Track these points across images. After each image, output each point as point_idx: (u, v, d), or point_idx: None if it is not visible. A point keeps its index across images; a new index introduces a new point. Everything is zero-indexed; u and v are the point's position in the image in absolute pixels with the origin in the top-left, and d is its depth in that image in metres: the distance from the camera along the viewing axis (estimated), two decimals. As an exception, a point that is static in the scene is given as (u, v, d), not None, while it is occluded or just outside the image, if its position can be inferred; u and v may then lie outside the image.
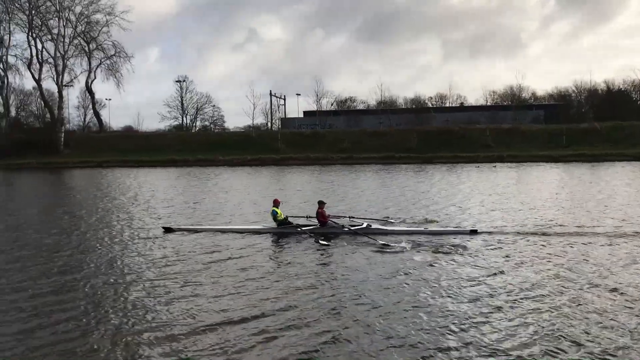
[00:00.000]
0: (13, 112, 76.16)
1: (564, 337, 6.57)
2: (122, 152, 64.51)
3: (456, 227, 14.46)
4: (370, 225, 14.17)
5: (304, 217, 15.05)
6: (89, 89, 74.68)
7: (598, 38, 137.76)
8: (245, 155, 60.87)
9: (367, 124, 73.94)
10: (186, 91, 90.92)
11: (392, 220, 15.68)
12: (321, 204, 14.52)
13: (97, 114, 76.80)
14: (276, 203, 14.73)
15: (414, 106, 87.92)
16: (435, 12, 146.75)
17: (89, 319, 7.57)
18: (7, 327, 7.26)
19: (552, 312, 7.50)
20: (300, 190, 27.61)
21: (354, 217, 15.13)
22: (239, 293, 8.69)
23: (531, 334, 6.72)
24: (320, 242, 12.64)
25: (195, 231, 14.61)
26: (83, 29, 72.07)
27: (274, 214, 14.44)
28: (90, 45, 73.19)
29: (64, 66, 69.45)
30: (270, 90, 79.24)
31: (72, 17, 70.63)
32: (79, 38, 72.17)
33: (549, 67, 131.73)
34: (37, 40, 71.39)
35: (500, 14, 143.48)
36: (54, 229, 15.90)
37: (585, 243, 12.23)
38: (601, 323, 7.03)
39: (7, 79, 71.20)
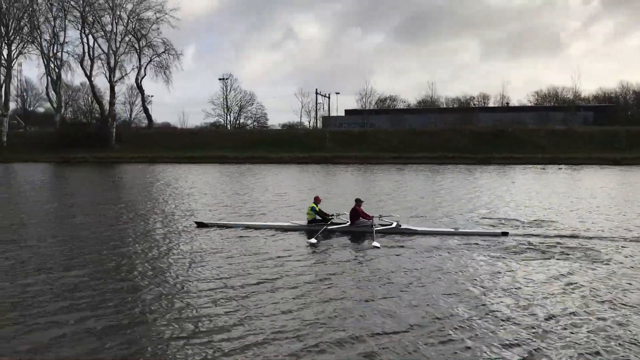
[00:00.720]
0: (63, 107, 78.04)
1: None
2: (169, 148, 65.45)
3: (487, 229, 14.43)
4: (400, 225, 14.16)
5: (334, 215, 14.94)
6: (138, 86, 76.06)
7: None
8: (294, 152, 61.08)
9: (411, 123, 73.41)
10: (230, 89, 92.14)
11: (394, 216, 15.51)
12: (359, 201, 14.60)
13: (146, 111, 78.25)
14: (317, 200, 14.95)
15: (455, 105, 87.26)
16: (475, 11, 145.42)
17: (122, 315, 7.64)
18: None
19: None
20: (395, 186, 27.54)
21: (383, 216, 14.92)
22: (260, 291, 8.71)
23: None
24: (310, 241, 12.64)
25: (226, 226, 14.95)
26: (134, 27, 73.50)
27: (313, 210, 14.62)
28: (141, 43, 74.63)
29: (116, 63, 70.92)
30: (317, 89, 79.59)
31: (124, 15, 72.10)
32: (130, 35, 73.65)
33: (590, 67, 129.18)
34: (90, 37, 73.27)
35: (541, 14, 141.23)
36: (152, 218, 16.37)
37: None
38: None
39: (61, 75, 72.93)
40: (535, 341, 6.59)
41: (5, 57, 72.58)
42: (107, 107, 71.74)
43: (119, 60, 71.30)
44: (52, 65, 73.04)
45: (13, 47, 72.68)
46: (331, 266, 10.55)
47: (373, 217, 14.26)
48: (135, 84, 76.34)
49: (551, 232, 13.98)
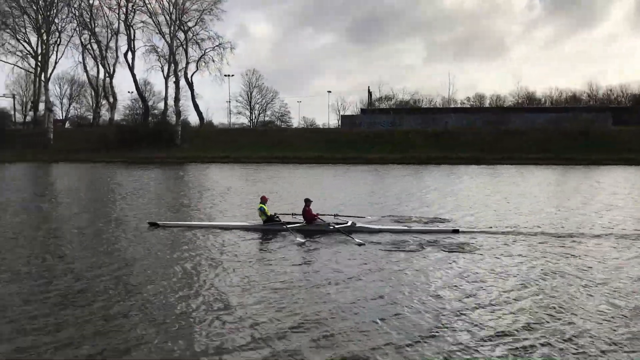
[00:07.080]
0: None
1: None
2: (240, 147, 61.94)
3: (439, 227, 15.03)
4: (355, 224, 14.57)
5: (289, 214, 15.23)
6: (188, 82, 71.46)
7: (579, 44, 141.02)
8: (379, 154, 59.17)
9: (444, 122, 71.35)
10: (253, 86, 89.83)
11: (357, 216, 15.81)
12: (308, 202, 14.83)
13: (196, 107, 73.63)
14: (264, 200, 15.03)
15: (475, 104, 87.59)
16: (426, 14, 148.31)
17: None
18: None
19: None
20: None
21: (339, 215, 15.25)
22: (212, 290, 8.89)
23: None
24: (298, 239, 12.95)
25: (180, 227, 15.03)
26: (180, 16, 68.76)
27: (261, 211, 14.69)
28: (187, 35, 70.20)
29: (173, 56, 66.18)
30: (368, 87, 78.15)
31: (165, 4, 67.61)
32: (178, 29, 68.99)
33: (529, 71, 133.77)
34: (131, 29, 68.32)
35: (488, 18, 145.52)
36: None
37: None
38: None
39: (115, 68, 67.85)
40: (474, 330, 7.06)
41: (40, 46, 66.35)
42: (150, 103, 66.93)
43: (176, 53, 66.68)
44: (88, 56, 67.10)
45: (51, 36, 66.56)
46: (288, 265, 10.81)
47: (317, 215, 14.71)
48: (185, 80, 71.60)
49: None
